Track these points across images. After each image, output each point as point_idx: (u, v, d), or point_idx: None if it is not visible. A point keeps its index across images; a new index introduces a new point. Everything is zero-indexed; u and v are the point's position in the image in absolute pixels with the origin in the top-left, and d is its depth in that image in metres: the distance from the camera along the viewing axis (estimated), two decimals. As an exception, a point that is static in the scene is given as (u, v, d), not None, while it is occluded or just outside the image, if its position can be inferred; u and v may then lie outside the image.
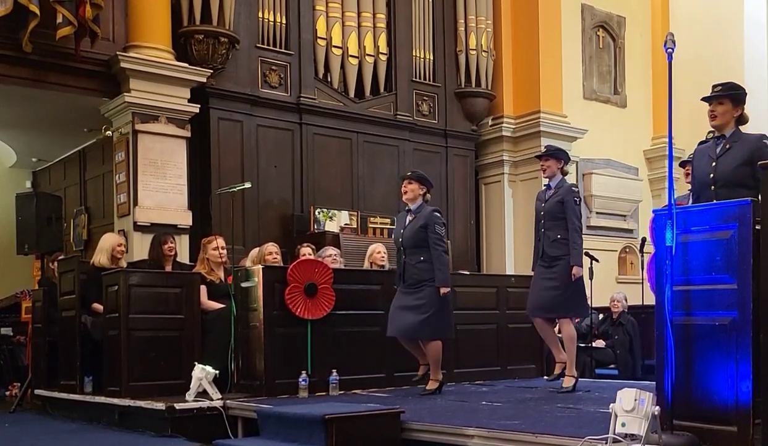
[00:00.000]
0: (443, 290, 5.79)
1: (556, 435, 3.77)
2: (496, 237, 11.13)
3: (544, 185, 6.09)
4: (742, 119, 4.33)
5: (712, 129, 4.38)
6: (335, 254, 7.22)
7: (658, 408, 3.27)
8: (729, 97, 4.26)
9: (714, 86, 4.30)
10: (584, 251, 8.71)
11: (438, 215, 5.92)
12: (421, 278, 5.82)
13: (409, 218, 5.94)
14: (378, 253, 7.28)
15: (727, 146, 4.26)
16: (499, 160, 11.16)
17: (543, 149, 6.22)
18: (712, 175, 4.25)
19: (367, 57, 10.04)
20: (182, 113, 8.38)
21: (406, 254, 5.92)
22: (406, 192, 5.93)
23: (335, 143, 9.88)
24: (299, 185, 9.52)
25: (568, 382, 5.92)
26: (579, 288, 5.89)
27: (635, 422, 3.27)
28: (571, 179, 11.13)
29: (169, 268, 6.78)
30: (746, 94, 4.31)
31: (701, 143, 4.58)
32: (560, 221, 5.82)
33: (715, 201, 4.09)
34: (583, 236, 5.90)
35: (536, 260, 6.02)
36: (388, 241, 7.80)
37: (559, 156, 5.98)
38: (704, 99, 4.24)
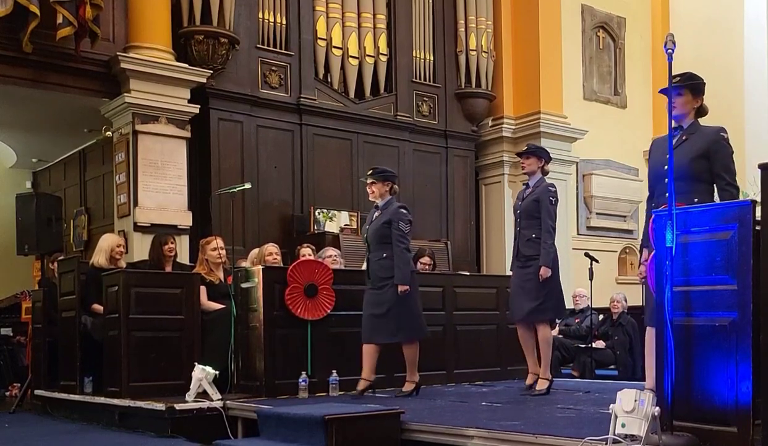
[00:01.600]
0: (401, 288, 5.68)
1: (556, 435, 3.76)
2: (496, 238, 11.12)
3: (524, 184, 6.08)
4: (701, 111, 4.23)
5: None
6: (335, 255, 7.22)
7: (658, 408, 3.27)
8: (688, 87, 4.16)
9: (672, 77, 4.24)
10: (585, 252, 8.83)
11: (404, 211, 5.84)
12: (383, 275, 5.74)
13: (376, 214, 5.91)
14: (377, 253, 7.26)
15: (684, 138, 4.16)
16: (499, 160, 11.17)
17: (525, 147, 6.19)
18: (666, 166, 4.19)
19: (367, 58, 10.04)
20: (182, 114, 8.39)
21: (370, 251, 5.87)
22: (372, 192, 5.89)
23: (335, 143, 9.88)
24: (299, 186, 9.52)
25: (542, 385, 5.88)
26: (554, 289, 5.83)
27: (635, 423, 3.26)
28: (571, 179, 11.28)
29: (169, 269, 6.78)
30: (705, 84, 4.22)
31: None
32: (536, 220, 5.78)
33: (667, 194, 4.04)
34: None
35: (514, 260, 5.99)
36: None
37: (540, 155, 5.95)
38: (662, 91, 4.08)
